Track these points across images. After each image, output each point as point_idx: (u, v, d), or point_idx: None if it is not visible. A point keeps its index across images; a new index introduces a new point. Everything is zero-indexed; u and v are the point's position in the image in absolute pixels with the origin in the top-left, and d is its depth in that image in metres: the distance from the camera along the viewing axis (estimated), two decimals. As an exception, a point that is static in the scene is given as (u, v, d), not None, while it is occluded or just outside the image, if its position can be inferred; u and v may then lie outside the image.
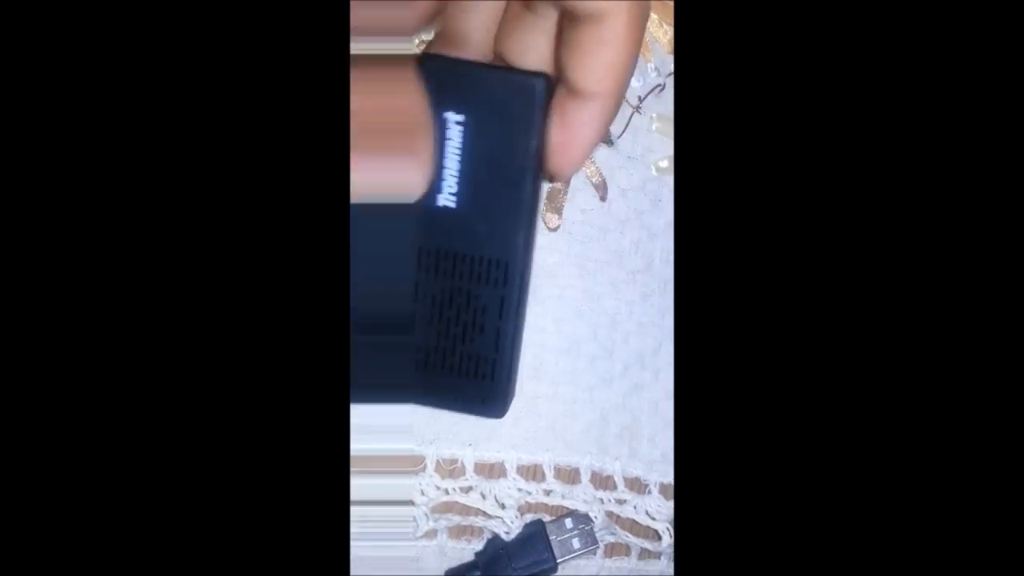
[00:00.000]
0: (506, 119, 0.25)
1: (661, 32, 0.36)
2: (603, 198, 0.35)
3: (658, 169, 0.36)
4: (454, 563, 0.33)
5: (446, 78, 0.25)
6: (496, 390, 0.27)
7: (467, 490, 0.33)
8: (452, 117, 0.25)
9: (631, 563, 0.35)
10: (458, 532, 0.33)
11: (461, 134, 0.25)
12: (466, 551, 0.33)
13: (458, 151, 0.25)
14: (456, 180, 0.25)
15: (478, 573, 0.32)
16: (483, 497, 0.33)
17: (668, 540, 0.35)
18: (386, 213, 0.22)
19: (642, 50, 0.36)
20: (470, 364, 0.26)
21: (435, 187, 0.25)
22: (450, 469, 0.33)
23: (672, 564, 0.35)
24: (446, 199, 0.25)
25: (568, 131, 0.23)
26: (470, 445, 0.33)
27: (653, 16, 0.36)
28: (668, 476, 0.36)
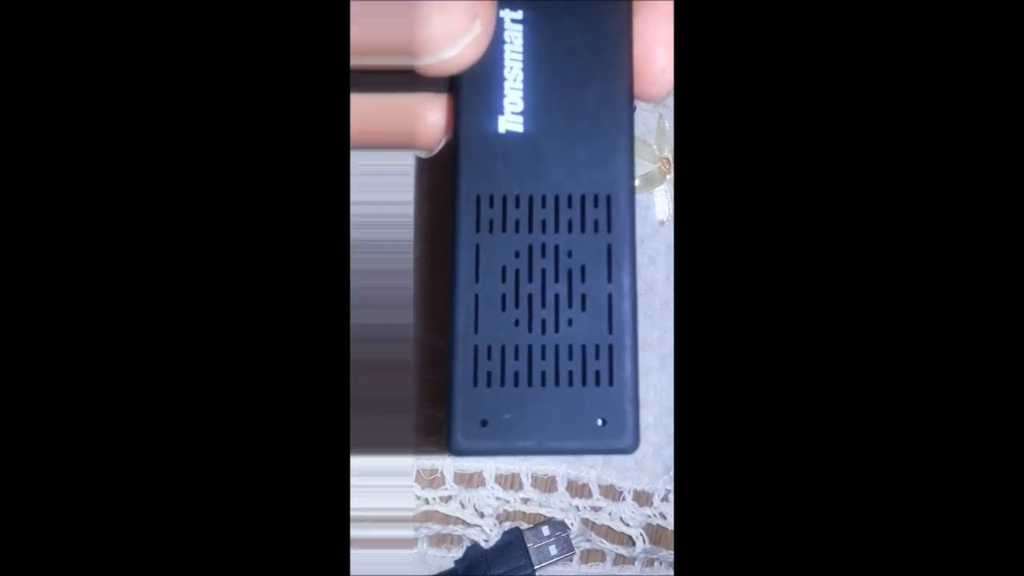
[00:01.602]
0: (583, 12, 0.19)
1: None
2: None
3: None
4: (434, 571, 0.34)
5: None
6: (621, 402, 0.18)
7: (447, 499, 0.34)
8: (508, 15, 0.19)
9: (606, 568, 0.37)
10: (438, 540, 0.34)
11: (523, 35, 0.19)
12: (446, 559, 0.34)
13: (520, 57, 0.19)
14: (522, 96, 0.19)
15: (458, 579, 0.33)
16: (462, 506, 0.34)
17: (642, 545, 0.36)
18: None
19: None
20: (571, 364, 0.18)
21: (494, 105, 0.19)
22: (430, 479, 0.34)
23: (643, 568, 0.37)
24: (510, 121, 0.19)
25: (662, 27, 0.17)
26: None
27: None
28: (641, 483, 0.37)
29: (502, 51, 0.19)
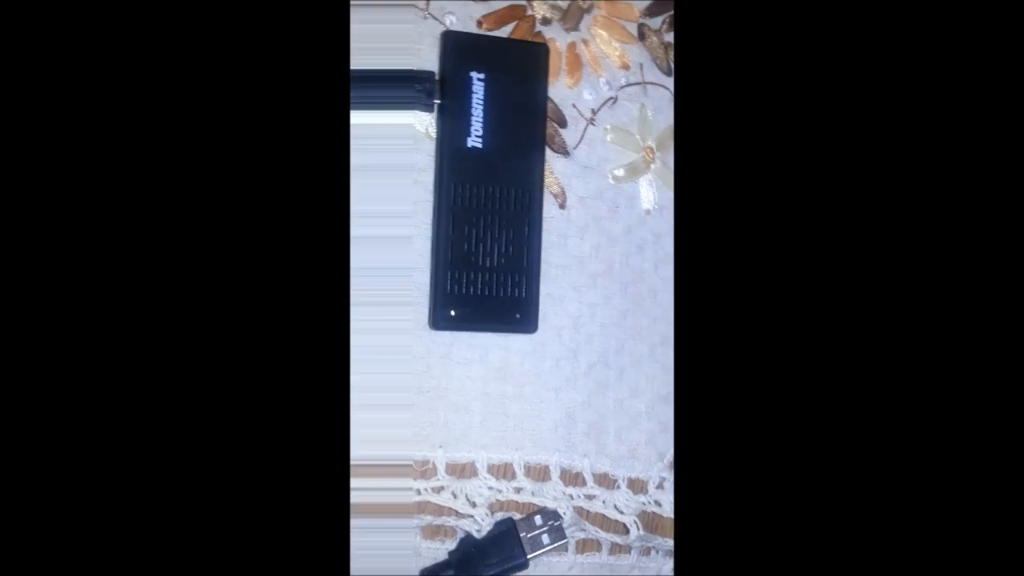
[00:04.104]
0: (521, 76, 0.34)
1: (611, 49, 0.38)
2: (562, 206, 0.37)
3: (614, 177, 0.38)
4: (428, 563, 0.34)
5: (467, 47, 0.33)
6: (529, 305, 0.33)
7: (439, 490, 0.34)
8: (475, 75, 0.33)
9: (602, 558, 0.36)
10: (431, 532, 0.34)
11: (483, 88, 0.33)
12: (440, 551, 0.34)
13: (481, 102, 0.33)
14: (482, 125, 0.33)
15: (451, 572, 0.33)
16: (454, 496, 0.34)
17: (636, 533, 0.36)
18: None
19: (593, 66, 0.38)
20: (504, 283, 0.32)
21: (464, 130, 0.33)
22: (422, 470, 0.34)
23: (639, 557, 0.36)
24: (474, 141, 0.33)
25: None
26: (441, 447, 0.35)
27: (603, 33, 0.38)
28: (635, 471, 0.37)
29: (471, 97, 0.33)
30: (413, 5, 0.35)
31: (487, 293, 0.33)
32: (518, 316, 0.33)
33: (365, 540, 0.27)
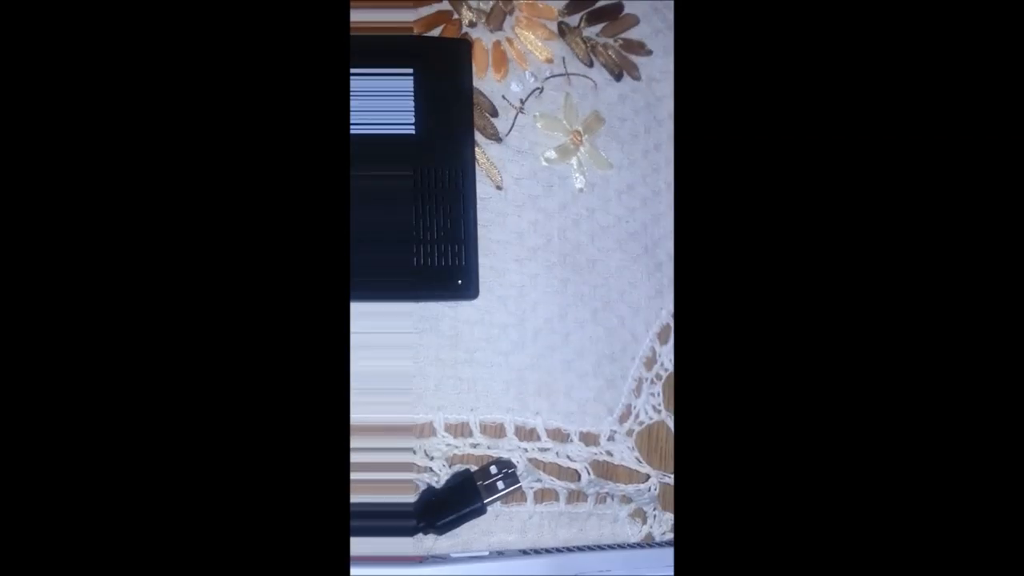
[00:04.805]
0: (446, 69, 0.38)
1: (535, 47, 0.42)
2: (499, 187, 0.41)
3: (546, 160, 0.42)
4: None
5: (394, 46, 0.38)
6: (469, 273, 0.37)
7: (401, 450, 0.37)
8: (404, 71, 0.37)
9: (560, 507, 0.39)
10: (393, 488, 0.37)
11: (413, 82, 0.37)
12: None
13: (411, 93, 0.37)
14: (413, 115, 0.37)
15: (413, 522, 0.36)
16: (413, 452, 0.37)
17: (587, 477, 0.38)
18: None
19: (519, 61, 0.42)
20: (445, 254, 0.36)
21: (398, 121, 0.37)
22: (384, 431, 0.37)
23: (595, 504, 0.39)
24: (407, 129, 0.37)
25: None
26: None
27: (526, 32, 0.42)
28: (586, 425, 0.40)
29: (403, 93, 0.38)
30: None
31: (429, 264, 0.36)
32: (460, 283, 0.37)
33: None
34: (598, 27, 0.43)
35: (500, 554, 0.36)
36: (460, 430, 0.38)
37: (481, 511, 0.36)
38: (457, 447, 0.38)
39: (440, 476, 0.37)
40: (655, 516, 0.40)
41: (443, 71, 0.38)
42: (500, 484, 0.36)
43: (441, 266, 0.36)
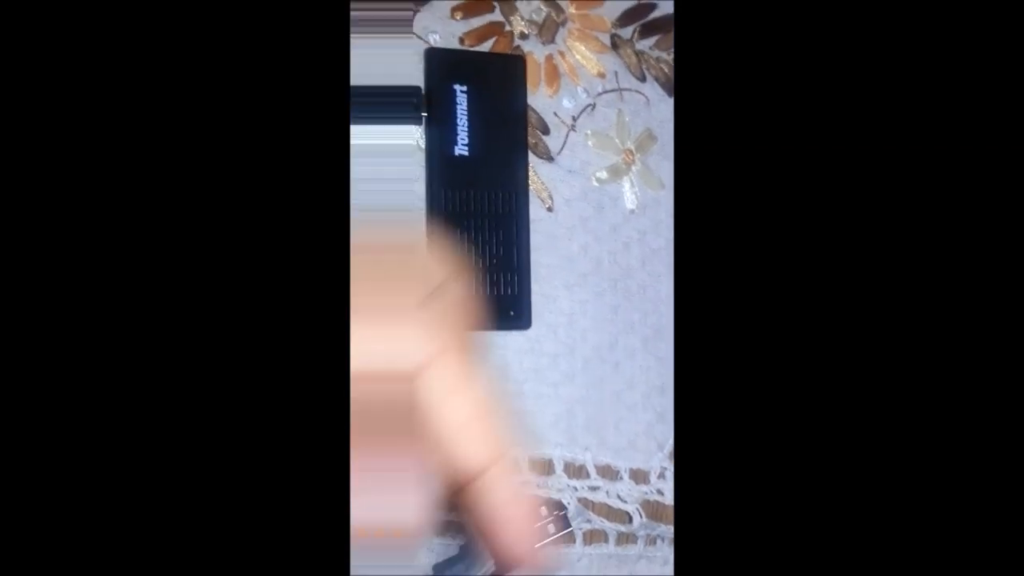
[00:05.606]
0: (501, 86, 0.36)
1: (587, 60, 0.40)
2: (550, 208, 0.39)
3: (598, 180, 0.40)
4: (439, 558, 0.34)
5: (449, 62, 0.36)
6: (522, 302, 0.35)
7: (445, 487, 0.35)
8: (458, 88, 0.35)
9: (609, 549, 0.37)
10: (441, 528, 0.35)
11: (466, 100, 0.35)
12: (451, 546, 0.35)
13: (465, 112, 0.35)
14: (467, 134, 0.35)
15: (461, 566, 0.34)
16: (461, 491, 0.35)
17: (639, 520, 0.37)
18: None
19: (571, 75, 0.40)
20: (497, 282, 0.34)
21: (452, 139, 0.35)
22: (428, 469, 0.35)
23: (644, 546, 0.37)
24: (460, 149, 0.35)
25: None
26: (445, 445, 0.35)
27: (578, 45, 0.40)
28: (636, 462, 0.38)
29: (456, 108, 0.35)
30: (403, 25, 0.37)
31: (482, 293, 0.34)
32: (512, 313, 0.34)
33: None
34: (651, 40, 0.41)
35: (548, 598, 0.34)
36: (507, 467, 0.36)
37: (532, 556, 0.34)
38: (505, 485, 0.36)
39: (489, 518, 0.35)
40: (705, 556, 0.38)
41: (498, 88, 0.36)
42: (551, 528, 0.34)
43: (493, 295, 0.34)
